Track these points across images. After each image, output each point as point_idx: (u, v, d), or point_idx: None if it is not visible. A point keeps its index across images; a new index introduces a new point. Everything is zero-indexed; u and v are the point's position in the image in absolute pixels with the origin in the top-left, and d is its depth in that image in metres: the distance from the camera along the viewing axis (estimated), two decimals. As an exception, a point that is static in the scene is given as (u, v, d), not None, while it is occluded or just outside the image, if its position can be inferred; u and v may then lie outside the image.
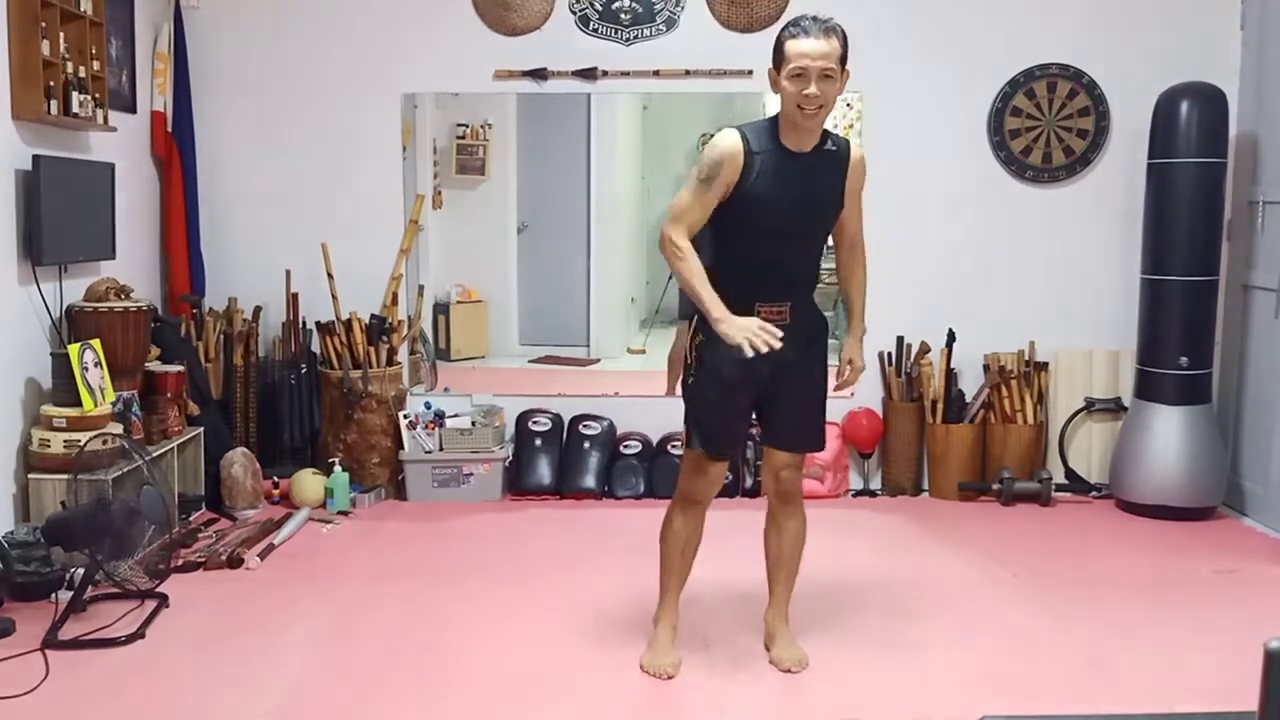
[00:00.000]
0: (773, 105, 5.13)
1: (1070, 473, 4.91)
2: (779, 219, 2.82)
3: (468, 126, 5.07)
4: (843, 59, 2.76)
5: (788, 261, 2.89)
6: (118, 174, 4.29)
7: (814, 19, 2.75)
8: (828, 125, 2.91)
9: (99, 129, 4.11)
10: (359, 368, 4.75)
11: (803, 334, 2.91)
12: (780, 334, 2.67)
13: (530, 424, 4.93)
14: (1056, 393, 4.95)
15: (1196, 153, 4.47)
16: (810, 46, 2.71)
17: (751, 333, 2.65)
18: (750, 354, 2.64)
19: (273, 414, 4.85)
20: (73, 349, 3.71)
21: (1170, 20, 4.84)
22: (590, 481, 4.84)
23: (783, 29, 2.81)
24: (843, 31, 2.78)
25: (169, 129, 4.78)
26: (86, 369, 3.74)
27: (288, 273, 4.92)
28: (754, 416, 3.08)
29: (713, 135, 5.41)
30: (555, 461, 4.88)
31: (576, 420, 4.97)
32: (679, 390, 3.12)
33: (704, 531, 3.09)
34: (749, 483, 4.80)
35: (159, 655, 3.11)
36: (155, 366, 4.26)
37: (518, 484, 4.86)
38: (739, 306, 2.77)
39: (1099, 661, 3.12)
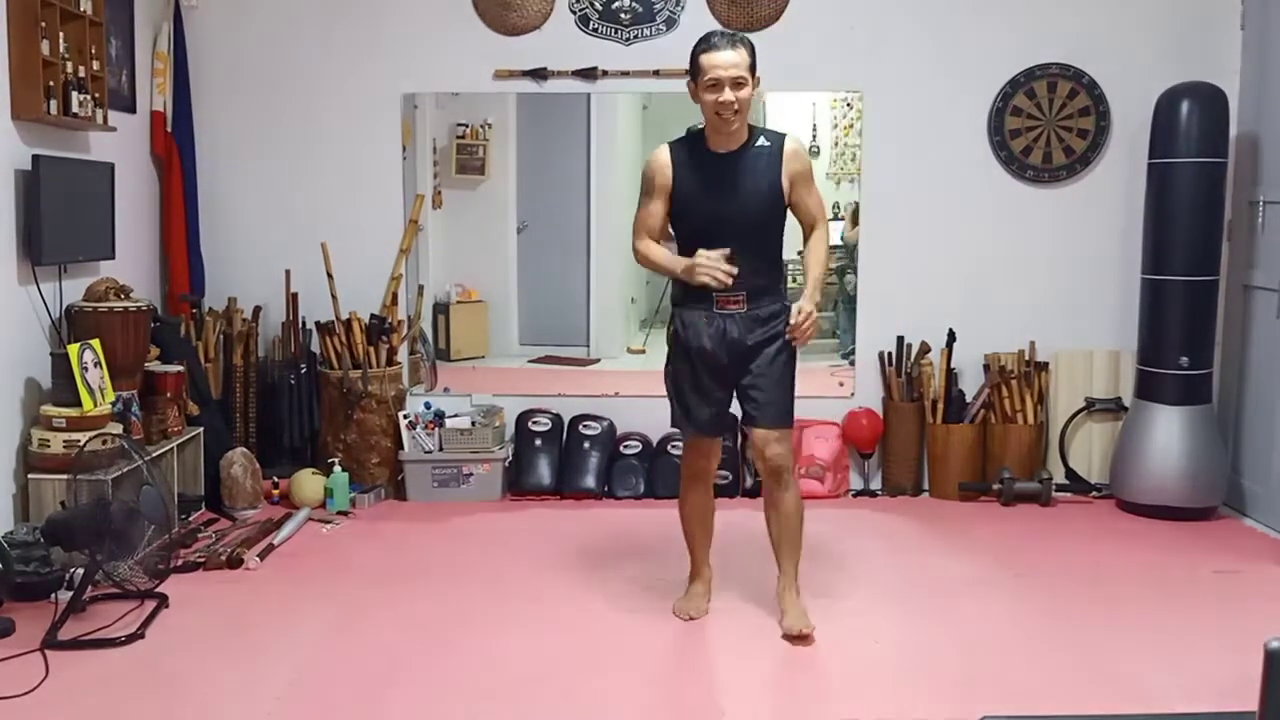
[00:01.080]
0: (773, 105, 5.15)
1: (1070, 473, 4.91)
2: (714, 215, 3.15)
3: (468, 126, 5.07)
4: (752, 67, 3.11)
5: (739, 252, 3.11)
6: (117, 174, 4.29)
7: (722, 34, 3.15)
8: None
9: (99, 129, 4.11)
10: (359, 368, 4.75)
11: (759, 320, 3.21)
12: (727, 266, 3.03)
13: (530, 424, 4.93)
14: (1057, 393, 4.95)
15: (1197, 153, 4.47)
16: (721, 58, 3.07)
17: (704, 269, 3.04)
18: (716, 284, 3.03)
19: (272, 414, 4.85)
20: (72, 349, 3.71)
21: (1170, 20, 4.83)
22: (590, 481, 4.84)
23: (695, 45, 3.15)
24: (750, 43, 3.14)
25: (169, 129, 4.78)
26: (86, 369, 3.74)
27: (287, 273, 4.92)
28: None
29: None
30: (555, 461, 4.88)
31: (576, 420, 4.97)
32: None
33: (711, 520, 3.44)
34: (749, 483, 4.80)
35: (159, 655, 3.11)
36: (155, 366, 4.26)
37: (518, 484, 4.86)
38: (700, 298, 3.17)
39: (1099, 662, 3.12)
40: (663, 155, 3.22)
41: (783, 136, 3.23)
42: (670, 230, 3.28)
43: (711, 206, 3.16)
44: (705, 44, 3.11)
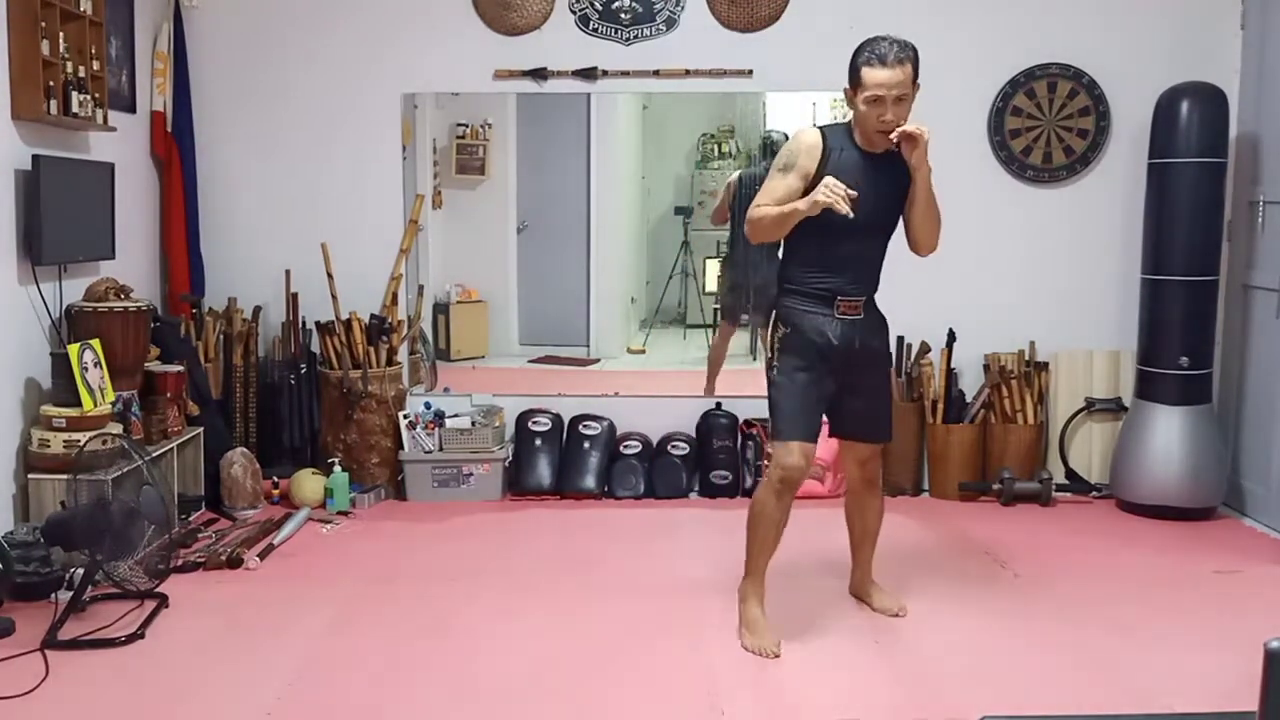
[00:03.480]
0: (773, 105, 5.16)
1: (1070, 473, 4.91)
2: (856, 213, 2.95)
3: (468, 126, 5.07)
4: (914, 79, 3.02)
5: (863, 256, 3.12)
6: (117, 174, 4.29)
7: (889, 44, 2.98)
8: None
9: (99, 129, 4.11)
10: (359, 368, 4.75)
11: (871, 328, 3.18)
12: (852, 193, 2.89)
13: (530, 424, 4.93)
14: (1057, 393, 4.95)
15: (1197, 153, 4.47)
16: (885, 76, 2.96)
17: (828, 193, 2.87)
18: (845, 210, 2.85)
19: (272, 414, 4.85)
20: (72, 349, 3.71)
21: (1170, 20, 4.83)
22: (590, 482, 4.83)
23: (859, 53, 3.02)
24: (914, 54, 3.03)
25: (169, 129, 4.77)
26: (86, 369, 3.74)
27: (287, 273, 4.92)
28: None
29: (713, 136, 5.47)
30: (555, 461, 4.87)
31: (576, 420, 4.97)
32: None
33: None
34: (749, 482, 4.80)
35: (159, 655, 3.11)
36: (155, 366, 4.26)
37: (518, 484, 4.86)
38: (821, 302, 3.09)
39: (1099, 661, 3.12)
40: (813, 137, 3.07)
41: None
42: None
43: (858, 202, 2.98)
44: (870, 56, 2.98)
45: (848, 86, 3.06)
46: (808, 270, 3.12)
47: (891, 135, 2.99)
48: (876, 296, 3.23)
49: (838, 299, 3.09)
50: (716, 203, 5.34)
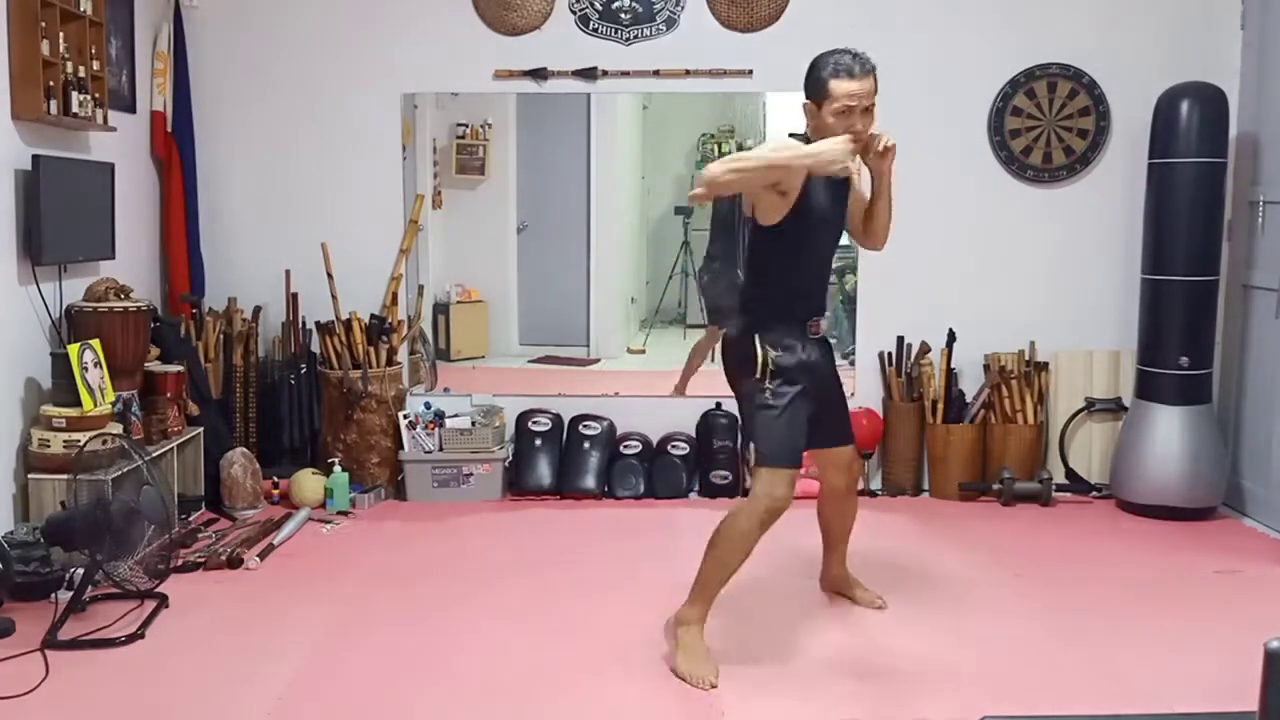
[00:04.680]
0: (773, 105, 5.15)
1: (1070, 473, 4.91)
2: (824, 235, 3.07)
3: (468, 126, 5.08)
4: (875, 90, 2.99)
5: (823, 274, 3.17)
6: (118, 174, 4.29)
7: (853, 56, 2.96)
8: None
9: (99, 129, 4.11)
10: (359, 368, 4.75)
11: (827, 345, 3.22)
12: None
13: (530, 424, 4.93)
14: (1056, 393, 4.95)
15: (1196, 153, 4.47)
16: (855, 87, 2.92)
17: (846, 149, 2.84)
18: (855, 167, 2.86)
19: (272, 414, 4.85)
20: (72, 349, 3.71)
21: (1170, 20, 4.83)
22: (590, 482, 4.83)
23: (822, 65, 2.98)
24: (875, 66, 3.00)
25: (169, 129, 4.77)
26: (86, 369, 3.74)
27: (287, 273, 4.92)
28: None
29: (713, 136, 5.46)
30: (555, 461, 4.87)
31: (576, 420, 4.97)
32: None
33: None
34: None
35: (159, 655, 3.11)
36: (155, 366, 4.26)
37: (518, 484, 4.86)
38: (794, 327, 3.06)
39: (1099, 661, 3.12)
40: (788, 142, 3.06)
41: None
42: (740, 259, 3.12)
43: (823, 225, 3.05)
44: (835, 67, 2.94)
45: (808, 100, 3.02)
46: (784, 299, 3.08)
47: (881, 146, 2.96)
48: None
49: (808, 322, 3.10)
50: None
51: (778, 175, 2.88)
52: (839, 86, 2.93)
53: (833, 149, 2.83)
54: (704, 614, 3.08)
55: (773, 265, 3.06)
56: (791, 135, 3.15)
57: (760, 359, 3.02)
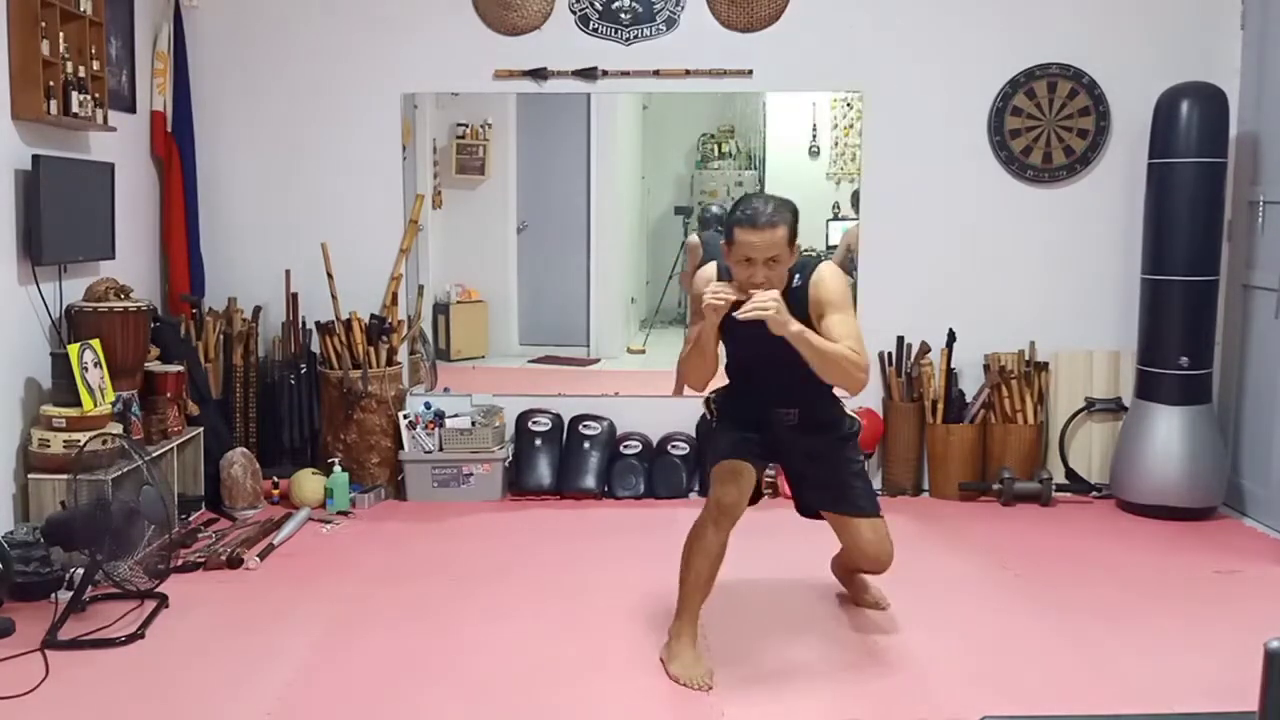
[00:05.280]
0: (773, 105, 5.15)
1: (1070, 473, 4.91)
2: (758, 351, 2.94)
3: (468, 126, 5.07)
4: (791, 238, 2.87)
5: (781, 379, 3.04)
6: (118, 174, 4.29)
7: (764, 203, 2.85)
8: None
9: (99, 129, 4.11)
10: (359, 368, 4.75)
11: (811, 429, 3.17)
12: (726, 290, 2.86)
13: (530, 424, 4.93)
14: (1056, 393, 4.95)
15: (1197, 153, 4.47)
16: (756, 238, 2.82)
17: (709, 298, 2.84)
18: (716, 304, 2.82)
19: (272, 414, 4.85)
20: (72, 349, 3.71)
21: (1170, 20, 4.83)
22: (590, 481, 4.84)
23: (734, 209, 2.91)
24: (794, 212, 2.89)
25: (169, 129, 4.77)
26: (86, 369, 3.74)
27: (287, 273, 4.92)
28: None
29: (713, 136, 5.46)
30: (555, 461, 4.88)
31: (576, 420, 4.97)
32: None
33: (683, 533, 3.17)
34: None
35: (159, 655, 3.11)
36: (155, 366, 4.26)
37: (518, 484, 4.86)
38: (756, 410, 3.13)
39: (1099, 662, 3.12)
40: (711, 271, 3.04)
41: (815, 268, 3.00)
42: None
43: (753, 344, 2.93)
44: (743, 214, 2.85)
45: (724, 241, 2.95)
46: (742, 385, 3.20)
47: (740, 315, 2.78)
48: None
49: (773, 409, 3.14)
50: (686, 268, 5.28)
51: (704, 343, 2.96)
52: (741, 235, 2.85)
53: (702, 301, 2.87)
54: (687, 625, 3.06)
55: (732, 355, 3.18)
56: (714, 261, 3.11)
57: (706, 407, 3.29)
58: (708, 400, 3.27)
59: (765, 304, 2.75)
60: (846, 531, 3.24)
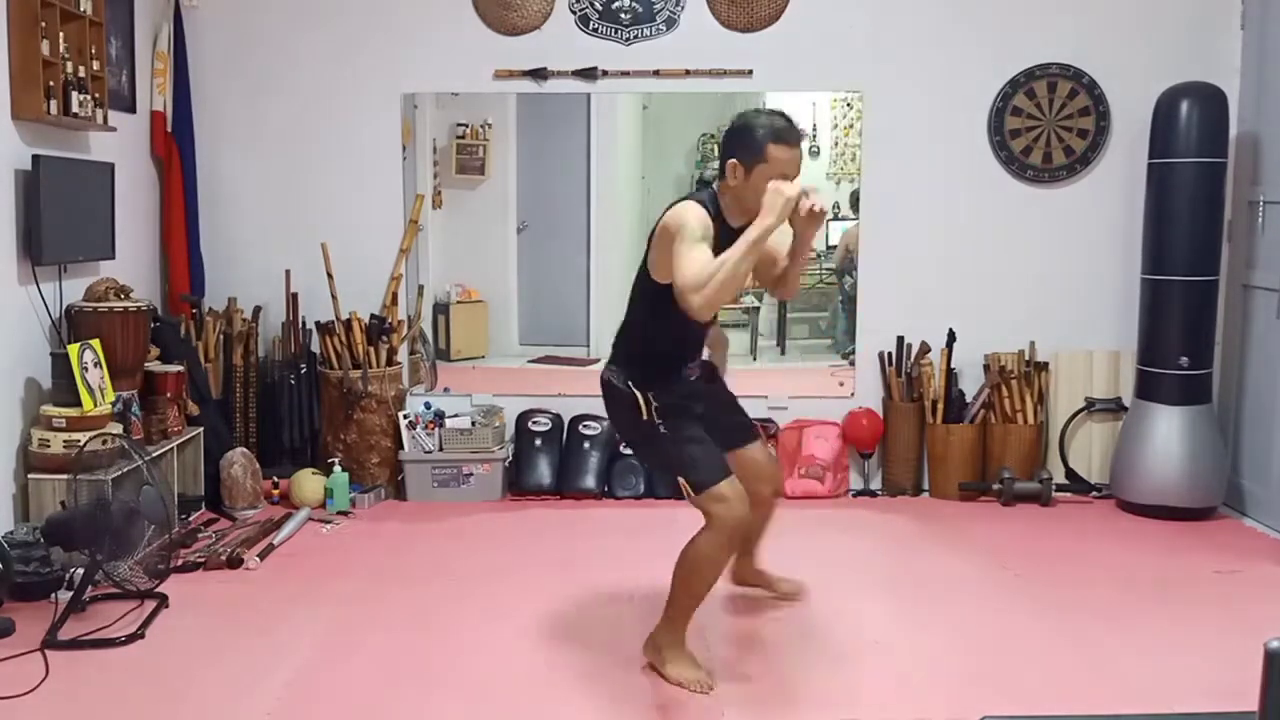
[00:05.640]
0: (772, 104, 5.14)
1: (1070, 473, 4.91)
2: (683, 313, 2.80)
3: (468, 126, 5.07)
4: None
5: (692, 335, 3.09)
6: (117, 174, 4.29)
7: (788, 122, 2.88)
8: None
9: (99, 129, 4.11)
10: (359, 368, 4.75)
11: (710, 376, 3.26)
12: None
13: (530, 424, 4.93)
14: (1056, 393, 4.95)
15: (1196, 153, 4.47)
16: (795, 155, 2.85)
17: (805, 202, 2.77)
18: (813, 203, 2.78)
19: (272, 414, 4.85)
20: (72, 349, 3.71)
21: (1170, 20, 4.83)
22: (590, 481, 4.84)
23: (756, 129, 2.84)
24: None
25: (169, 129, 4.78)
26: (86, 369, 3.74)
27: (287, 273, 4.92)
28: None
29: (713, 136, 5.45)
30: (555, 461, 4.88)
31: (576, 420, 4.97)
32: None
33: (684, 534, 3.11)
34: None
35: (159, 655, 3.11)
36: (155, 366, 4.26)
37: (518, 484, 4.86)
38: (670, 372, 3.07)
39: (1099, 662, 3.12)
40: (703, 211, 2.87)
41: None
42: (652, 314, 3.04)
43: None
44: (776, 134, 2.83)
45: (737, 160, 2.86)
46: (662, 349, 3.08)
47: (816, 208, 2.80)
48: None
49: (685, 368, 3.14)
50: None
51: (758, 255, 2.77)
52: (780, 153, 2.82)
53: (773, 206, 2.71)
54: (682, 638, 3.03)
55: (668, 320, 2.93)
56: (700, 182, 3.06)
57: (643, 404, 2.99)
58: (646, 402, 3.00)
59: (822, 204, 2.85)
60: (747, 463, 3.19)
